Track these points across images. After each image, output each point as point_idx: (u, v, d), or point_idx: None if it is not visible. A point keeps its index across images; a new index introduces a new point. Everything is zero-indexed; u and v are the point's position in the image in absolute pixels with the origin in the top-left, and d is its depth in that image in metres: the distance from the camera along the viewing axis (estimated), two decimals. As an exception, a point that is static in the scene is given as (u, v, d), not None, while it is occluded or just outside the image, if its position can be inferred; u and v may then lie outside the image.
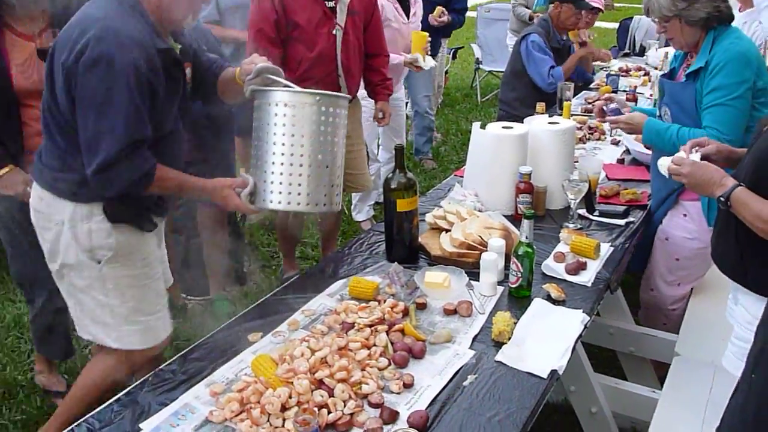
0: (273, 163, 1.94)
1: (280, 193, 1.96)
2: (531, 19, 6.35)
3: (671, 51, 4.95)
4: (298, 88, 2.02)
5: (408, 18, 4.25)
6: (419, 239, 2.42)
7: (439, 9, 5.22)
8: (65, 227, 2.03)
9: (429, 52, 4.25)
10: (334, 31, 3.15)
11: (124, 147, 1.85)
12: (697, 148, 2.07)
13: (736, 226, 1.87)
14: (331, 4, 3.14)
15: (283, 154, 1.94)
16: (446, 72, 7.34)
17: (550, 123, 2.84)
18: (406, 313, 1.98)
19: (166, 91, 1.97)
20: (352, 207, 4.72)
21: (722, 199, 1.82)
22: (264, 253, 4.24)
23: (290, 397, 1.57)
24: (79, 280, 2.08)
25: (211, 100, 2.33)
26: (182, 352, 1.86)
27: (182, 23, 2.02)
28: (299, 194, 1.96)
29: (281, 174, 1.94)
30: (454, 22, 5.51)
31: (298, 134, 1.94)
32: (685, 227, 2.68)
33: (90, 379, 2.23)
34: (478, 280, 2.14)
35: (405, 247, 2.35)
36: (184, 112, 2.15)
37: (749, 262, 1.88)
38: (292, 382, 1.61)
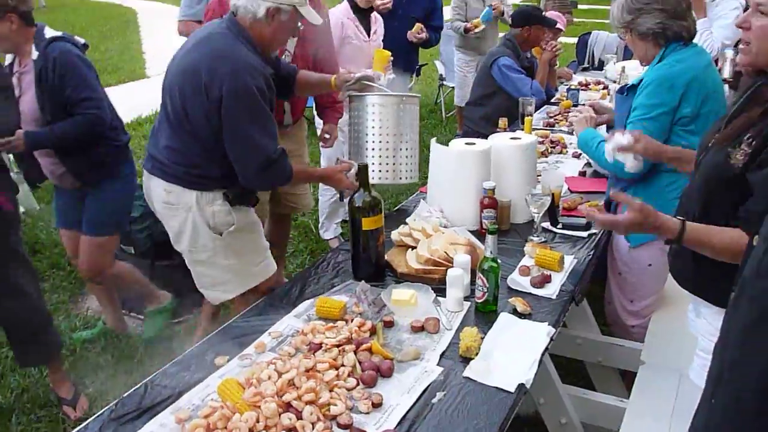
0: (370, 148, 2.71)
1: (377, 171, 2.71)
2: (467, 31, 6.32)
3: (628, 65, 5.09)
4: (386, 91, 2.76)
5: (369, 36, 4.29)
6: (385, 257, 2.42)
7: (418, 26, 5.25)
8: (192, 212, 2.51)
9: (390, 71, 4.30)
10: (283, 57, 3.13)
11: (275, 151, 2.41)
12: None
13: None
14: None
15: (375, 141, 2.69)
16: (410, 89, 7.41)
17: (512, 138, 2.88)
18: (373, 331, 1.98)
19: (272, 106, 2.47)
20: (320, 225, 4.72)
21: (673, 239, 1.78)
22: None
23: (258, 421, 1.56)
24: (203, 254, 2.58)
25: (288, 97, 3.00)
26: (146, 379, 1.83)
27: (271, 52, 2.58)
28: (388, 171, 2.73)
29: (377, 156, 2.70)
30: (431, 40, 5.56)
31: (386, 126, 2.68)
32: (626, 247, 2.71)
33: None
34: (445, 296, 2.15)
35: (371, 265, 2.35)
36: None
37: (707, 276, 1.90)
38: (259, 406, 1.59)
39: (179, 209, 2.53)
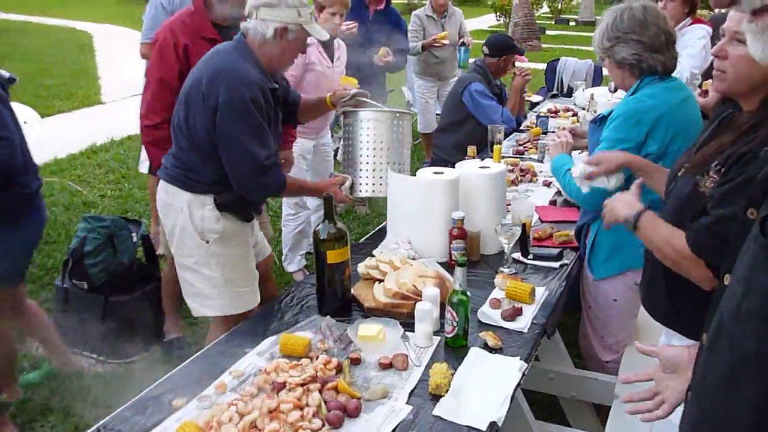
0: (362, 162, 2.85)
1: (369, 184, 2.85)
2: (425, 48, 6.30)
3: (597, 92, 5.22)
4: (379, 107, 2.95)
5: (332, 62, 4.33)
6: (352, 291, 2.42)
7: (384, 49, 5.30)
8: (183, 213, 2.67)
9: None
10: None
11: (267, 158, 2.56)
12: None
13: (665, 274, 1.94)
14: None
15: (368, 155, 2.84)
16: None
17: (481, 167, 2.91)
18: (339, 369, 1.97)
19: (273, 119, 2.67)
20: (283, 258, 4.69)
21: (630, 221, 1.88)
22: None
23: (217, 467, 1.53)
24: (188, 258, 2.72)
25: (293, 122, 3.20)
26: (99, 423, 1.79)
27: (280, 70, 2.80)
28: (380, 184, 2.85)
29: (368, 170, 2.84)
30: (398, 63, 5.61)
31: (379, 141, 2.84)
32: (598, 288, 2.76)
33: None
34: (414, 331, 2.15)
35: (337, 299, 2.34)
36: (278, 135, 2.82)
37: (681, 308, 1.93)
38: (219, 451, 1.57)
39: (173, 210, 2.73)
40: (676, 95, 2.51)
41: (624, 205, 1.97)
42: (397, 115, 2.90)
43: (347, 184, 2.83)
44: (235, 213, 2.72)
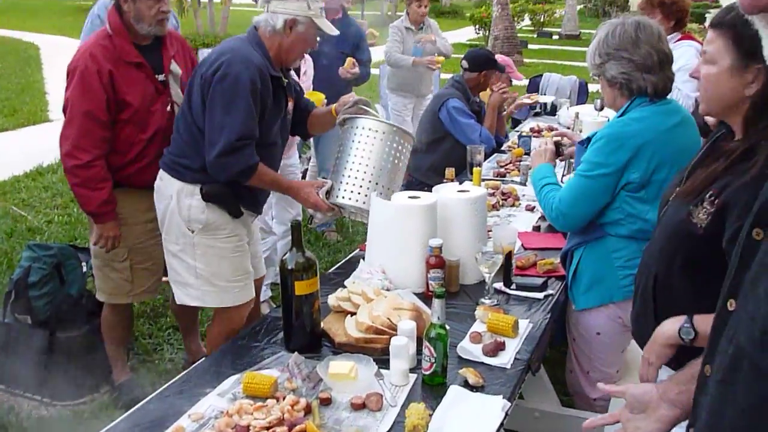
0: (347, 168, 2.90)
1: (348, 191, 2.88)
2: (415, 63, 6.45)
3: (582, 110, 5.31)
4: (381, 118, 3.01)
5: (299, 77, 4.37)
6: (321, 324, 2.42)
7: (350, 60, 5.33)
8: (173, 200, 2.89)
9: None
10: (168, 108, 3.16)
11: (239, 139, 2.70)
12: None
13: (656, 304, 1.97)
14: (161, 77, 3.15)
15: (354, 162, 2.89)
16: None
17: (459, 191, 2.94)
18: (308, 410, 1.96)
19: (272, 107, 2.87)
20: None
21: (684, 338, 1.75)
22: (145, 345, 4.10)
23: None
24: (173, 245, 2.96)
25: (303, 135, 3.42)
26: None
27: (290, 63, 2.97)
28: (359, 194, 2.88)
29: (351, 177, 2.88)
30: (363, 75, 5.66)
31: (369, 150, 2.89)
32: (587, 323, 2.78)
33: (213, 335, 3.11)
34: (389, 369, 2.15)
35: (306, 334, 2.34)
36: (284, 132, 3.07)
37: None
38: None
39: (164, 197, 2.96)
40: (666, 120, 2.52)
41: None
42: (395, 129, 2.98)
43: (325, 187, 2.91)
44: (221, 205, 2.90)
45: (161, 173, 2.98)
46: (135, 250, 3.29)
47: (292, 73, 4.29)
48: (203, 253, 2.93)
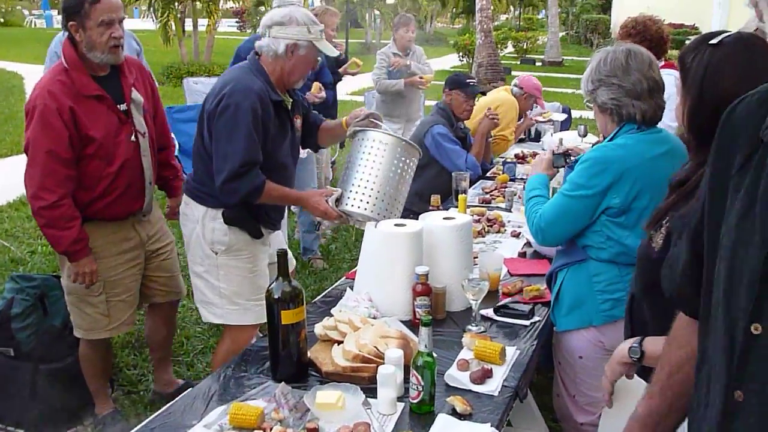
0: (356, 177, 2.97)
1: (357, 200, 2.95)
2: (406, 84, 6.53)
3: (566, 136, 5.36)
4: (389, 132, 3.12)
5: None
6: (308, 353, 2.41)
7: (316, 85, 5.34)
8: (198, 224, 3.07)
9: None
10: (133, 137, 3.13)
11: (243, 165, 2.84)
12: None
13: (631, 326, 2.01)
14: (123, 107, 3.11)
15: (363, 172, 2.96)
16: (333, 163, 7.51)
17: (445, 218, 2.95)
18: (295, 441, 1.95)
19: (276, 131, 3.01)
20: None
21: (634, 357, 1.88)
22: (129, 375, 4.06)
23: None
24: (198, 266, 3.14)
25: (314, 147, 3.56)
26: None
27: (293, 84, 3.08)
28: (367, 203, 2.95)
29: (359, 186, 2.95)
30: (328, 99, 5.69)
31: (378, 162, 2.96)
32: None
33: (221, 351, 3.25)
34: (376, 398, 2.14)
35: (292, 363, 2.33)
36: (294, 151, 3.21)
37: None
38: None
39: (190, 221, 3.13)
40: (651, 148, 2.53)
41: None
42: (403, 143, 3.07)
43: (335, 196, 2.99)
44: (242, 227, 3.06)
45: (186, 199, 3.17)
46: (110, 282, 3.23)
47: None
48: (226, 274, 3.10)
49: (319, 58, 3.16)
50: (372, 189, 2.95)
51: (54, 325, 3.59)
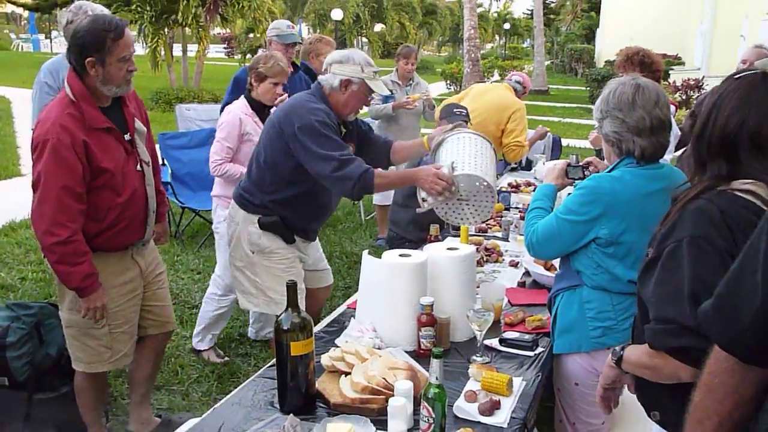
0: (460, 153, 3.23)
1: (469, 163, 3.16)
2: (395, 108, 6.57)
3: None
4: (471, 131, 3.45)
5: None
6: (316, 385, 2.40)
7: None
8: (239, 226, 3.50)
9: None
10: (138, 167, 3.14)
11: (341, 155, 3.13)
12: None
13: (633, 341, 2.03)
14: (127, 137, 3.11)
15: (463, 151, 3.25)
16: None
17: (449, 249, 2.97)
18: (307, 474, 1.94)
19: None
20: (194, 334, 4.61)
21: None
22: (124, 405, 4.01)
23: None
24: (239, 261, 3.56)
25: (384, 166, 3.75)
26: None
27: (346, 116, 3.43)
28: (476, 167, 3.15)
29: (466, 157, 3.20)
30: None
31: (473, 145, 3.29)
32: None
33: None
34: (386, 429, 2.13)
35: (301, 395, 2.32)
36: None
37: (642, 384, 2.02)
38: None
39: (233, 221, 3.56)
40: (647, 185, 2.53)
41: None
42: (486, 138, 3.42)
43: (450, 164, 3.17)
44: (275, 232, 3.45)
45: (232, 203, 3.60)
46: (112, 314, 3.17)
47: (257, 125, 4.42)
48: (260, 271, 3.50)
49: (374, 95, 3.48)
50: (476, 160, 3.20)
51: (49, 355, 3.56)
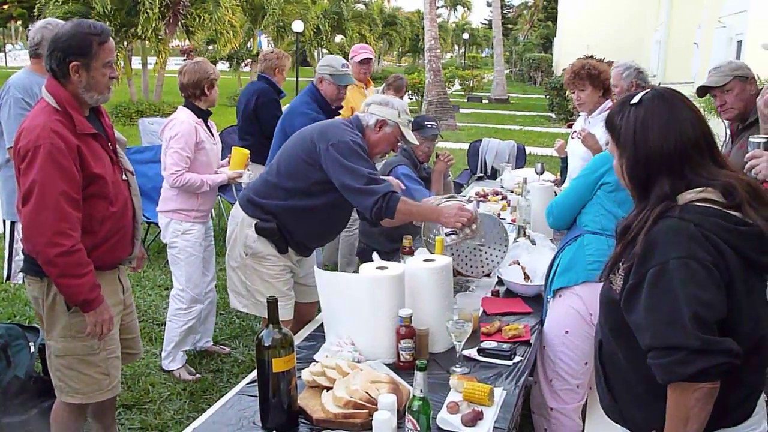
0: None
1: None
2: None
3: (523, 173, 5.48)
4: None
5: (215, 138, 4.45)
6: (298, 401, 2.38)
7: None
8: (238, 227, 3.57)
9: (249, 168, 4.59)
10: (124, 177, 3.03)
11: (371, 173, 3.26)
12: None
13: (604, 371, 2.06)
14: (110, 146, 3.01)
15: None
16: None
17: (426, 260, 2.97)
18: (294, 492, 1.92)
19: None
20: (164, 354, 4.53)
21: None
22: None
23: None
24: (233, 261, 3.63)
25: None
26: None
27: (373, 156, 3.56)
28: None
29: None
30: None
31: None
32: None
33: None
34: (371, 444, 2.12)
35: (283, 412, 2.29)
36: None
37: (619, 399, 2.04)
38: None
39: (234, 220, 3.63)
40: None
41: None
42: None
43: (472, 204, 3.47)
44: (268, 239, 3.51)
45: (236, 204, 3.67)
46: (106, 339, 2.97)
47: (207, 132, 4.44)
48: (251, 273, 3.57)
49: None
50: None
51: (17, 377, 3.48)
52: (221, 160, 4.58)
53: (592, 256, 3.04)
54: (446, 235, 3.34)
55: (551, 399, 3.16)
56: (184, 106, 4.32)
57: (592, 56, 4.59)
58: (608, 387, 2.06)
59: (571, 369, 3.10)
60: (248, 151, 4.55)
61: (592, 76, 4.47)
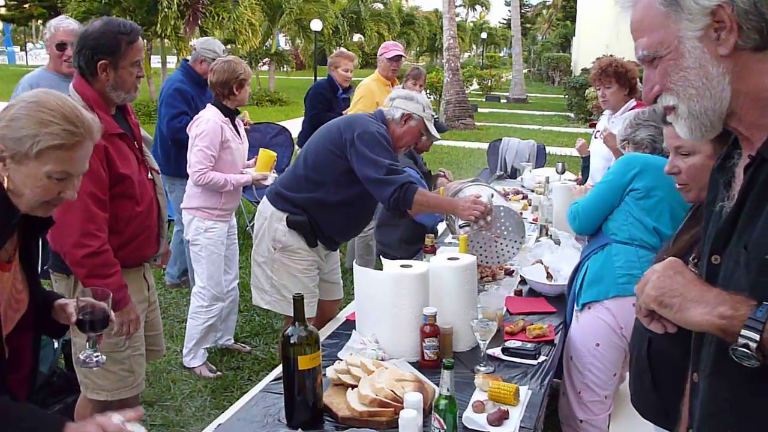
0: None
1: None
2: None
3: (544, 173, 5.45)
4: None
5: (241, 137, 4.45)
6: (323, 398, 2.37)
7: (245, 112, 5.39)
8: (266, 222, 3.60)
9: (274, 171, 4.60)
10: (149, 175, 3.04)
11: (391, 164, 3.34)
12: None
13: (651, 369, 2.01)
14: (136, 144, 3.01)
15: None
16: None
17: (450, 259, 2.96)
18: (320, 490, 1.91)
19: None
20: (185, 351, 4.55)
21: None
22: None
23: None
24: (260, 257, 3.65)
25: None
26: None
27: (397, 150, 3.64)
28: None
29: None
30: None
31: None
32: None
33: None
34: (396, 443, 2.11)
35: (308, 409, 2.29)
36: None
37: (670, 406, 1.99)
38: None
39: (262, 216, 3.66)
40: None
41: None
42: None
43: (487, 195, 3.49)
44: (300, 232, 3.55)
45: (264, 200, 3.71)
46: (131, 336, 2.99)
47: (233, 132, 4.45)
48: (279, 268, 3.58)
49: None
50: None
51: (41, 372, 3.49)
52: (247, 160, 4.59)
53: (622, 269, 2.94)
54: (460, 227, 3.36)
55: (580, 411, 3.08)
56: (212, 104, 4.33)
57: (612, 56, 4.56)
58: (655, 385, 2.02)
59: (600, 380, 3.03)
60: (275, 153, 4.54)
61: (618, 73, 4.45)
